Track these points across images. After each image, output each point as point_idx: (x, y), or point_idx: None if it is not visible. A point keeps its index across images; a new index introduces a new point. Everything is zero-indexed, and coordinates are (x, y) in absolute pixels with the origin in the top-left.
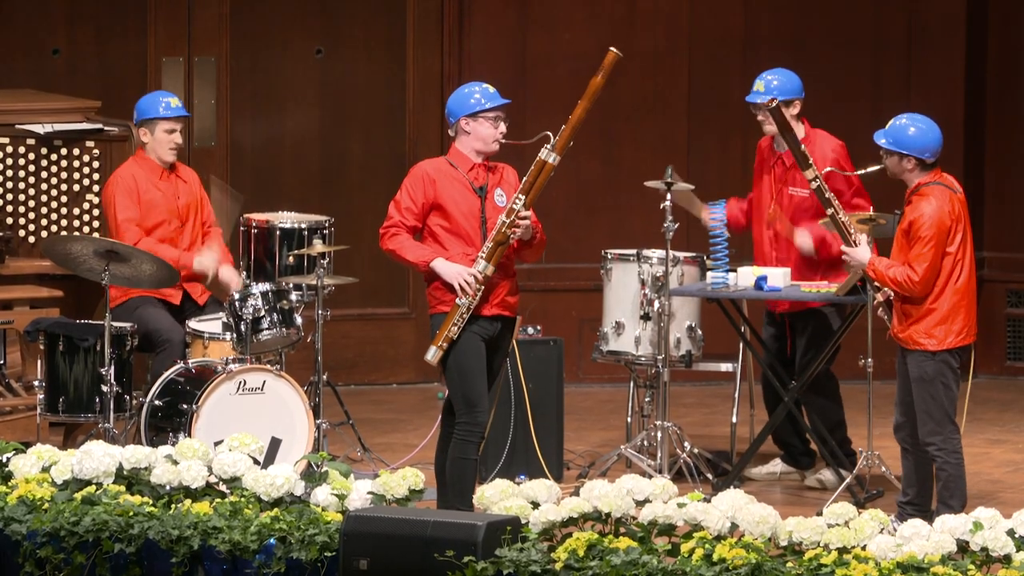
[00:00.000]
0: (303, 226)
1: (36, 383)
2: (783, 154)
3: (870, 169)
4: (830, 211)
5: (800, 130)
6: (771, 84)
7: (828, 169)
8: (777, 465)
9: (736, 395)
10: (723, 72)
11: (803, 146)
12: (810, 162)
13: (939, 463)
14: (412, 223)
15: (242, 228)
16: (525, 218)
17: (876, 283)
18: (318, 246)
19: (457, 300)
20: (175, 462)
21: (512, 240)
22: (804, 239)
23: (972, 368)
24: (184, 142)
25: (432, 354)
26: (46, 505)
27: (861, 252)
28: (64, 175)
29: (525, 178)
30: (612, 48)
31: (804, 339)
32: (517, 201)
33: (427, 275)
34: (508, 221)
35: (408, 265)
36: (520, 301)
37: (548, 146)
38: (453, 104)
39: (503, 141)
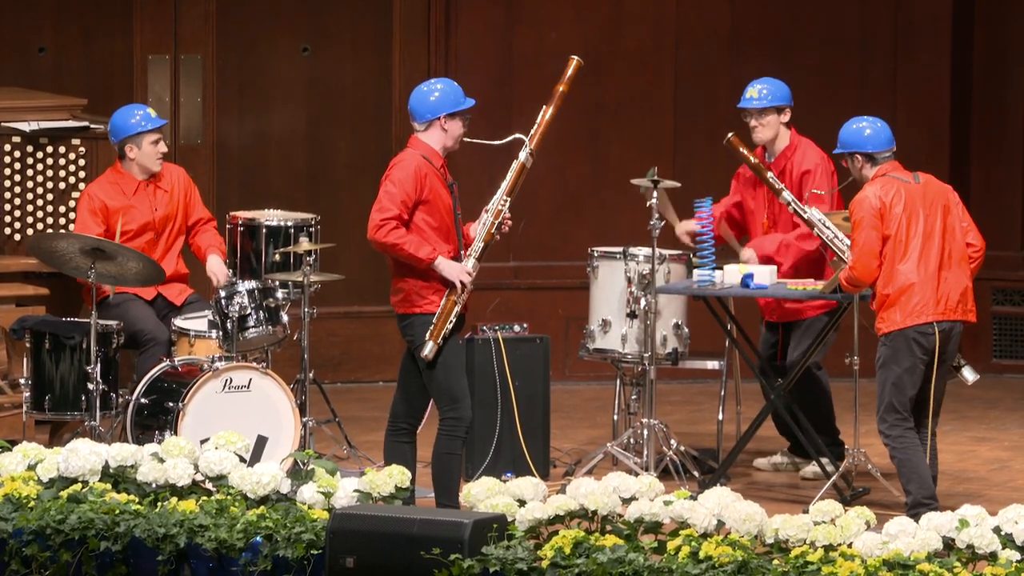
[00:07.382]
0: (289, 224)
1: (22, 381)
2: (771, 163)
3: (842, 185)
4: (816, 231)
5: (786, 137)
6: (763, 92)
7: (811, 192)
8: (783, 456)
9: (722, 393)
10: (710, 71)
11: (770, 173)
12: (780, 188)
13: (889, 451)
14: (405, 217)
15: (228, 226)
16: (509, 219)
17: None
18: (304, 244)
19: (454, 297)
20: (161, 460)
21: (495, 240)
22: (749, 254)
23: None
24: (168, 143)
25: (429, 349)
26: (32, 503)
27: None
28: (50, 173)
29: (508, 181)
30: (573, 56)
31: (795, 341)
32: (504, 203)
33: (420, 272)
34: (497, 223)
35: (406, 259)
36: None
37: (528, 150)
38: (439, 101)
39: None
